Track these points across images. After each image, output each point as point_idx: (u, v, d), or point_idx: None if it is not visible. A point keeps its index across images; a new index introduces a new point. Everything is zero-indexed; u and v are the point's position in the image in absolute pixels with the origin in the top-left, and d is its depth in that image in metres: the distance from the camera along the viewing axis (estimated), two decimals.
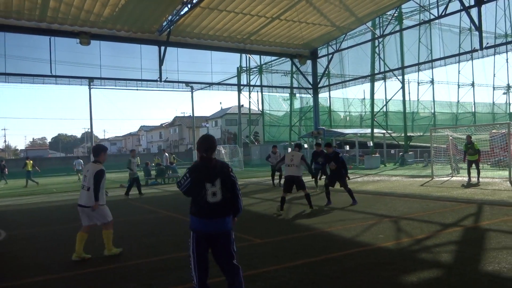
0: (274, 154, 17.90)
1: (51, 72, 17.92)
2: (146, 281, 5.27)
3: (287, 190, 10.30)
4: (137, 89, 35.34)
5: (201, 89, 40.94)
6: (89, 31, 17.25)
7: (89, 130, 48.08)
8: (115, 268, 5.92)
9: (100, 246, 6.96)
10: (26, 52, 20.80)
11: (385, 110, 37.03)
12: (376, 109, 34.40)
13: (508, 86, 48.41)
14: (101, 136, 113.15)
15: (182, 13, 16.64)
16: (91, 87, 40.93)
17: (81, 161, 31.78)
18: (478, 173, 15.40)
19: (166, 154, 25.30)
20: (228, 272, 3.92)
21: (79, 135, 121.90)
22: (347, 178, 11.17)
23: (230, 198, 3.97)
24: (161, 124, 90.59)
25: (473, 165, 15.32)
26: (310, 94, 26.87)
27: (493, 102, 49.65)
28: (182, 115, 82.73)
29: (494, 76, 48.09)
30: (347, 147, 36.58)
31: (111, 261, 6.30)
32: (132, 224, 9.69)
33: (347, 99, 44.93)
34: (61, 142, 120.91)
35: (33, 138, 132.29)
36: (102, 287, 5.18)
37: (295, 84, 39.08)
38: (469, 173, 15.48)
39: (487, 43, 17.40)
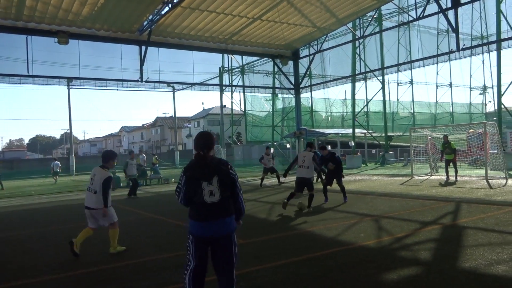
0: (267, 156, 17.79)
1: (28, 72, 17.50)
2: (127, 283, 5.21)
3: (299, 191, 10.40)
4: (117, 89, 35.04)
5: (183, 89, 40.73)
6: (68, 30, 16.93)
7: (68, 131, 47.33)
8: (95, 271, 5.83)
9: (85, 249, 6.86)
10: (2, 51, 20.35)
11: (366, 110, 37.48)
12: (357, 109, 34.78)
13: (484, 87, 49.55)
14: (81, 137, 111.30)
15: (163, 12, 16.49)
16: (70, 87, 40.33)
17: (58, 163, 31.20)
18: (456, 172, 15.75)
19: (143, 155, 25.00)
20: (222, 286, 3.73)
21: (58, 136, 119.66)
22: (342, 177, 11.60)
23: (230, 197, 3.73)
24: (143, 125, 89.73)
25: (451, 164, 15.66)
26: (292, 94, 26.99)
27: (470, 102, 50.77)
28: (164, 115, 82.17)
29: (470, 77, 49.14)
30: (329, 147, 36.79)
31: (92, 264, 6.20)
32: None
33: (328, 100, 45.35)
34: (39, 143, 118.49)
35: (10, 140, 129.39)
36: None
37: (277, 85, 39.22)
38: (447, 172, 15.81)
39: (464, 45, 17.77)
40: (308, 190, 10.27)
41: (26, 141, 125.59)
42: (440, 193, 12.26)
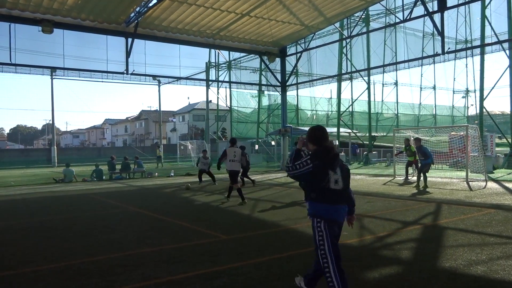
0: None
1: (10, 60, 17.13)
2: (108, 277, 5.14)
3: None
4: (102, 81, 34.47)
5: (169, 83, 40.38)
6: (52, 19, 16.60)
7: (50, 122, 46.52)
8: (76, 264, 5.75)
9: (66, 241, 6.76)
10: None
11: (351, 110, 37.74)
12: (342, 108, 35.03)
13: (467, 90, 50.36)
14: (63, 128, 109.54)
15: (150, 5, 16.32)
16: (53, 77, 39.64)
17: None
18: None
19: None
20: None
21: (39, 127, 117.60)
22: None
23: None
24: (127, 118, 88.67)
25: (413, 165, 16.01)
26: (278, 91, 27.01)
27: (453, 105, 51.56)
28: (149, 109, 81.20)
29: (454, 80, 49.84)
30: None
31: (71, 257, 6.11)
32: (95, 219, 9.45)
33: (314, 98, 45.51)
34: (20, 133, 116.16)
35: None
36: (61, 283, 5.01)
37: (264, 81, 39.18)
38: (406, 173, 16.49)
39: (449, 48, 18.01)
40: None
41: (7, 131, 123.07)
42: (421, 194, 12.44)
